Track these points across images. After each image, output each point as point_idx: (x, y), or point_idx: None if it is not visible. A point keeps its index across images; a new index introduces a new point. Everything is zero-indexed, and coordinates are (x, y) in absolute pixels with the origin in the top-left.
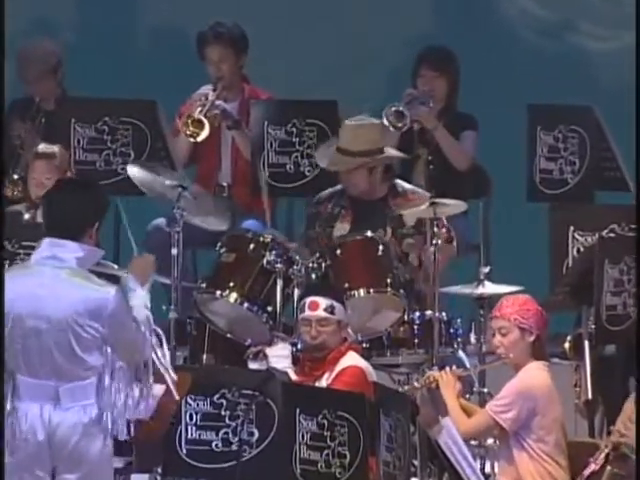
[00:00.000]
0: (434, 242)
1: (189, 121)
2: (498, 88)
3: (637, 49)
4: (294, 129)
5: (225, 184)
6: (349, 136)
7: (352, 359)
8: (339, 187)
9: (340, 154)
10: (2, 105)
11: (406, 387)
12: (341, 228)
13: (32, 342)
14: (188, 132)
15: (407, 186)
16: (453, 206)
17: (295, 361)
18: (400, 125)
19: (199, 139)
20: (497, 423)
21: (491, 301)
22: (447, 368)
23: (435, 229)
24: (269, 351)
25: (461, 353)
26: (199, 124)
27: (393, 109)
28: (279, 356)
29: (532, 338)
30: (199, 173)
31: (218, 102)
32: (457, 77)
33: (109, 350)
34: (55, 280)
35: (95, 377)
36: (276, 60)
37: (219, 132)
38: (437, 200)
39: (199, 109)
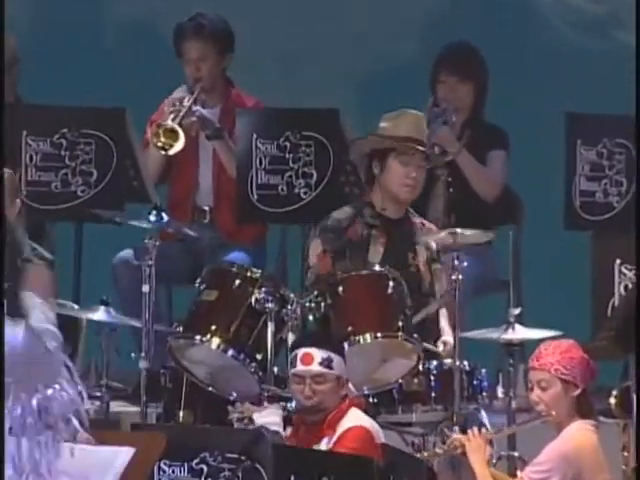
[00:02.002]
0: (454, 278)
1: (160, 130)
2: (530, 94)
3: (637, 49)
4: (287, 143)
5: (206, 208)
6: (418, 124)
7: (355, 418)
8: (349, 210)
9: (410, 143)
10: (2, 105)
11: (425, 453)
12: (375, 252)
13: None
14: (159, 143)
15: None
16: (476, 235)
17: (288, 423)
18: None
19: (172, 152)
20: None
21: (522, 348)
22: (474, 429)
23: (456, 262)
24: (256, 417)
25: (482, 412)
26: (172, 134)
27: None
28: (269, 423)
29: (577, 392)
30: (172, 194)
31: (195, 107)
32: (484, 82)
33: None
34: None
35: None
36: (267, 61)
37: (196, 144)
38: (458, 230)
39: (172, 116)
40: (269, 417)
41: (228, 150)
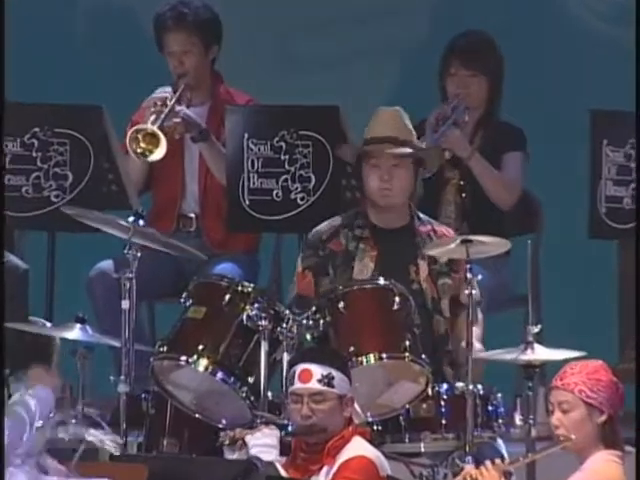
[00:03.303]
0: (468, 292)
1: (139, 135)
2: (551, 89)
3: (637, 49)
4: (283, 143)
5: (192, 215)
6: (388, 121)
7: (358, 447)
8: (338, 219)
9: (375, 144)
10: (2, 106)
11: None
12: (363, 267)
13: None
14: (138, 149)
15: (426, 217)
16: (492, 245)
17: (285, 450)
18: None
19: (152, 158)
20: None
21: (542, 370)
22: (487, 462)
23: (469, 275)
24: (250, 439)
25: (499, 441)
26: (152, 139)
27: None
28: (263, 446)
29: (602, 418)
30: (156, 202)
31: (179, 107)
32: (500, 76)
33: None
34: None
35: None
36: (260, 53)
37: (182, 147)
38: (471, 237)
39: (152, 117)
40: (264, 439)
41: (216, 154)
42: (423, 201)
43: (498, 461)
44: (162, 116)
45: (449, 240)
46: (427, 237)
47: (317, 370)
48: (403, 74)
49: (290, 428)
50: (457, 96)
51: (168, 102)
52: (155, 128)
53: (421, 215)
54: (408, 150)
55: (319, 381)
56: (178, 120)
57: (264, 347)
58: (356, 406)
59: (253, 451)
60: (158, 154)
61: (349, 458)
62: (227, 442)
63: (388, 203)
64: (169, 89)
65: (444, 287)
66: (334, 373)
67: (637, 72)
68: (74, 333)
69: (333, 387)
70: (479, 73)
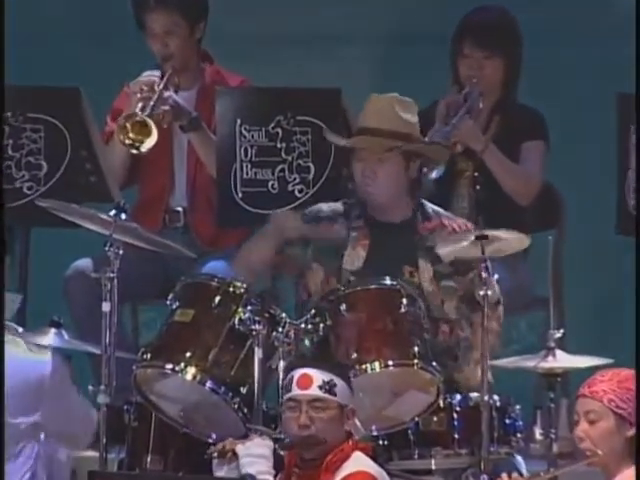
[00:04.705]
0: (482, 294)
1: (128, 124)
2: (574, 71)
3: (637, 51)
4: (279, 130)
5: (180, 209)
6: (379, 111)
7: (360, 462)
8: (340, 207)
9: (366, 135)
10: (2, 105)
11: None
12: (354, 257)
13: None
14: (127, 140)
15: (440, 210)
16: (509, 241)
17: (279, 464)
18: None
19: (143, 149)
20: None
21: (564, 379)
22: (504, 475)
23: (484, 274)
24: (241, 449)
25: (517, 457)
26: (143, 128)
27: None
28: (255, 456)
29: (632, 432)
30: (142, 196)
31: (168, 94)
32: (518, 57)
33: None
34: None
35: None
36: (253, 30)
37: (170, 136)
38: (487, 233)
39: (140, 105)
40: (256, 449)
41: (208, 143)
42: (434, 195)
43: (516, 475)
44: (151, 103)
45: (461, 236)
46: (432, 234)
47: (318, 376)
48: (415, 55)
49: (286, 441)
50: (470, 80)
51: (156, 87)
52: (145, 117)
53: (429, 208)
54: (389, 143)
55: (320, 387)
56: (167, 108)
57: (258, 354)
58: (357, 420)
59: (244, 461)
60: (148, 144)
61: (350, 474)
62: (216, 454)
63: (371, 200)
64: (157, 73)
65: (448, 290)
66: (335, 380)
67: (637, 70)
68: (49, 338)
69: (335, 395)
70: (495, 54)
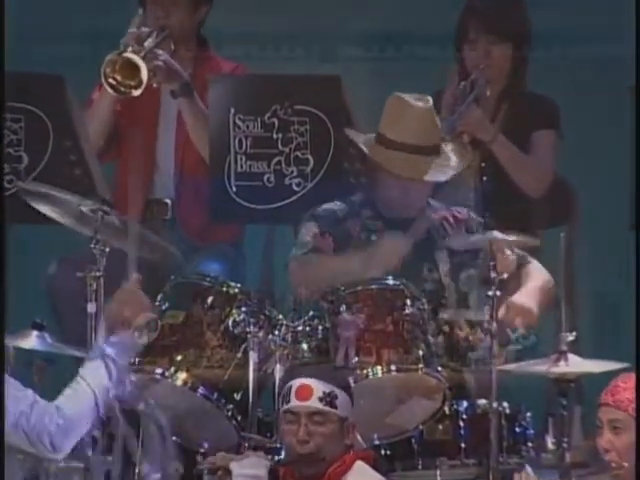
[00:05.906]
0: (491, 293)
1: (117, 61)
2: (588, 57)
3: (637, 51)
4: (275, 120)
5: (168, 201)
6: (415, 121)
7: (361, 473)
8: (343, 207)
9: (385, 147)
10: (2, 104)
11: None
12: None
13: None
14: (111, 80)
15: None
16: (519, 239)
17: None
18: None
19: (135, 93)
20: None
21: (578, 385)
22: (516, 476)
23: (493, 274)
24: (235, 467)
25: (528, 468)
26: (131, 71)
27: None
28: (250, 477)
29: None
30: (120, 181)
31: (160, 51)
32: (527, 42)
33: None
34: None
35: None
36: (252, 29)
37: (156, 111)
38: (496, 234)
39: (131, 48)
40: (251, 469)
41: (199, 115)
42: (438, 187)
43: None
44: (143, 52)
45: (469, 227)
46: (440, 225)
47: (318, 387)
48: (418, 41)
49: (283, 455)
50: (477, 67)
51: (148, 42)
52: (138, 58)
53: (431, 202)
54: (432, 178)
55: (320, 399)
56: (159, 64)
57: (253, 357)
58: (357, 435)
59: None
60: (139, 89)
61: None
62: (206, 470)
63: (398, 215)
64: (146, 29)
65: (468, 281)
66: (337, 391)
67: (637, 76)
68: (30, 342)
69: (335, 408)
70: (503, 38)
